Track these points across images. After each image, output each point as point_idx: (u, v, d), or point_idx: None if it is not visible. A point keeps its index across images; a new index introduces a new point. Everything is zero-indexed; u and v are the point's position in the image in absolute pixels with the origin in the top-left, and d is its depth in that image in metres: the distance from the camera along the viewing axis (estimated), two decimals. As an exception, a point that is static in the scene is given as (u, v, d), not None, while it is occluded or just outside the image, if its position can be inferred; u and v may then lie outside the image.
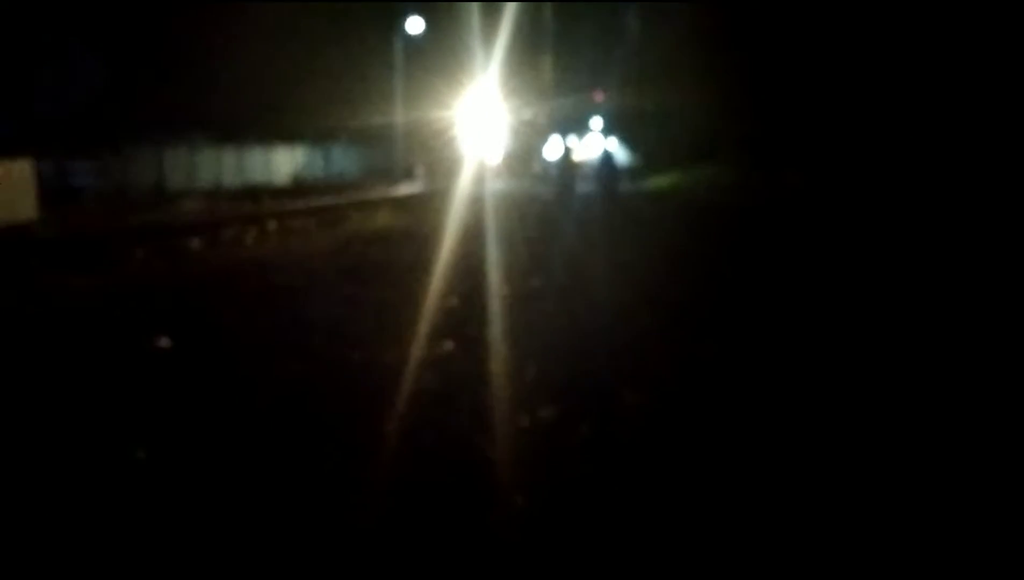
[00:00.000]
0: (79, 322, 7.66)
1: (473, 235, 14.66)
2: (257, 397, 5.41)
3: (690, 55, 28.41)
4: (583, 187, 21.81)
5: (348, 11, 40.12)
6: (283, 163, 43.01)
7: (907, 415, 4.91)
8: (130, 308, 8.27)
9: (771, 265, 11.36)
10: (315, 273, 10.81)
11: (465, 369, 6.00)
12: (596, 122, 42.26)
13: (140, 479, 4.13)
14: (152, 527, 3.60)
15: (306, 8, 36.74)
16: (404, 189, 34.44)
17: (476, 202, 22.14)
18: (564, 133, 34.19)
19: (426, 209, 24.18)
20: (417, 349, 6.52)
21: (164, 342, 6.76)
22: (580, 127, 44.30)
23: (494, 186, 29.78)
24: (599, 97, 38.57)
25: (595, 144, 37.02)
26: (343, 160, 49.44)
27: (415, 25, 41.46)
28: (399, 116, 40.23)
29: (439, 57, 41.98)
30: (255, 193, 31.78)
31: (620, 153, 35.96)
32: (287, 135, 42.42)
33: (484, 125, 42.60)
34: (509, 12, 34.30)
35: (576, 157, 37.89)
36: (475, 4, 37.48)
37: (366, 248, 13.57)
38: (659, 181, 30.94)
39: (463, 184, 32.62)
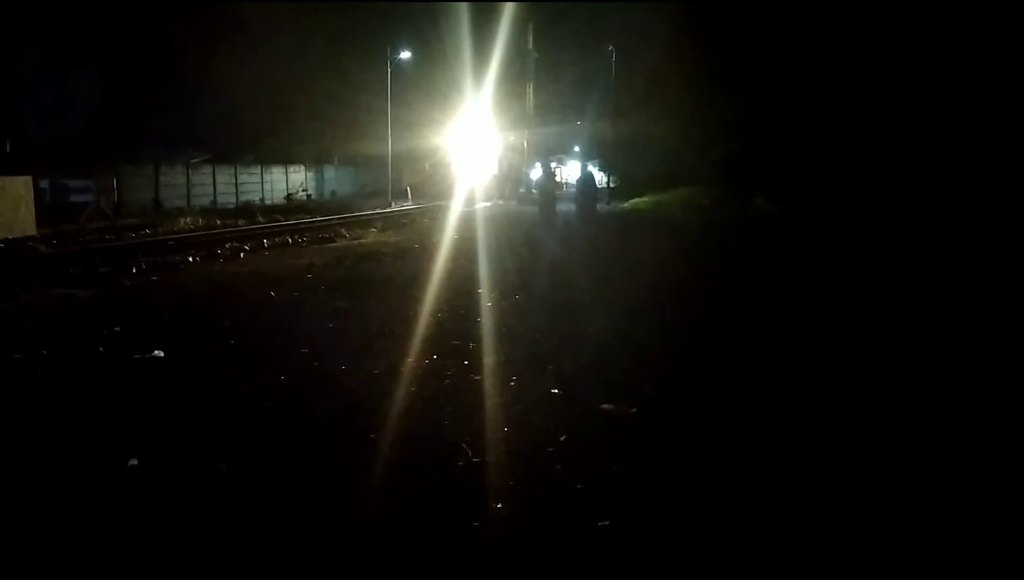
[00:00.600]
0: (75, 335, 7.83)
1: (460, 251, 15.01)
2: (249, 405, 5.62)
3: (665, 87, 29.17)
4: (564, 207, 22.39)
5: (342, 39, 40.59)
6: (277, 182, 43.27)
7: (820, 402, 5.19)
8: (126, 321, 8.45)
9: (720, 273, 11.99)
10: (306, 288, 11.03)
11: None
12: (577, 147, 43.05)
13: (145, 481, 4.34)
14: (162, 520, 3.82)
15: (302, 35, 37.12)
16: (395, 208, 34.66)
17: (463, 221, 22.47)
18: (547, 157, 34.89)
19: (416, 227, 24.49)
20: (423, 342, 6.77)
21: (158, 353, 6.97)
22: (562, 152, 45.07)
23: (481, 206, 30.10)
24: (580, 124, 39.45)
25: (576, 167, 37.74)
26: (336, 180, 49.72)
27: (406, 54, 42.03)
28: (390, 139, 40.62)
29: (431, 84, 42.53)
30: (250, 211, 31.97)
31: (599, 176, 36.68)
32: (281, 156, 42.73)
33: (473, 149, 43.14)
34: (496, 45, 35.12)
35: (558, 179, 38.56)
36: (465, 35, 38.12)
37: (358, 264, 13.81)
38: (636, 202, 31.78)
39: (451, 204, 32.98)
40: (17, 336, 7.79)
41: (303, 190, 45.44)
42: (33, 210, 18.32)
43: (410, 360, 6.76)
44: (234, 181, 39.23)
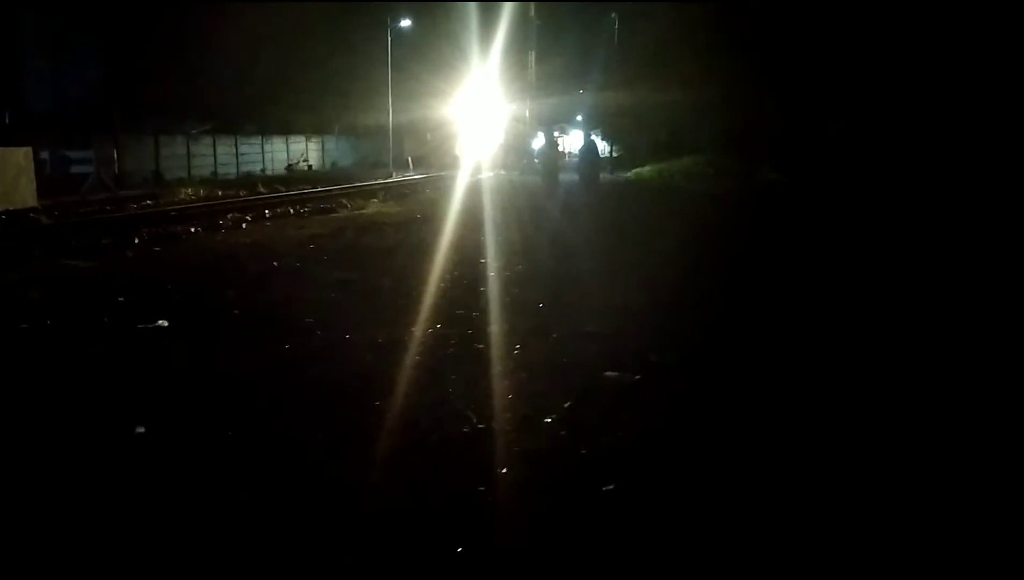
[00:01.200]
0: (79, 306, 7.85)
1: (462, 222, 14.99)
2: (253, 374, 5.64)
3: (670, 55, 28.84)
4: (567, 177, 22.37)
5: (343, 8, 40.22)
6: (278, 153, 43.11)
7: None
8: (129, 292, 8.47)
9: (724, 243, 11.97)
10: (309, 258, 11.03)
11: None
12: (580, 116, 42.74)
13: (152, 449, 4.37)
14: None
15: (302, 3, 36.79)
16: (397, 179, 34.56)
17: (465, 191, 22.43)
18: (550, 127, 34.67)
19: (419, 198, 24.45)
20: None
21: (162, 323, 6.98)
22: (565, 121, 44.78)
23: (484, 176, 30.01)
24: (583, 93, 39.11)
25: (578, 137, 37.54)
26: (337, 151, 49.51)
27: (408, 21, 41.71)
28: (392, 109, 40.41)
29: (433, 53, 42.19)
30: (251, 182, 31.89)
31: (602, 145, 36.50)
32: (282, 126, 42.53)
33: (475, 119, 42.93)
34: (500, 13, 34.82)
35: (560, 148, 38.33)
36: (466, 4, 37.81)
37: (360, 234, 13.80)
38: (639, 171, 31.63)
39: (454, 174, 32.89)
40: (21, 307, 7.81)
41: (304, 161, 45.28)
42: (34, 181, 18.27)
43: (414, 329, 6.77)
44: (235, 151, 39.09)
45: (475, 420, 4.63)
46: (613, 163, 35.84)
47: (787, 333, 6.73)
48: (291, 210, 19.77)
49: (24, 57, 29.71)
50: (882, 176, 17.72)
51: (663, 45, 30.17)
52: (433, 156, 48.04)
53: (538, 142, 39.21)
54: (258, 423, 4.64)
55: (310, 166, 44.83)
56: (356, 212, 19.61)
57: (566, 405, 4.87)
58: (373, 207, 21.07)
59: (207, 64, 33.76)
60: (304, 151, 45.93)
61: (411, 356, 5.99)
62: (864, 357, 5.93)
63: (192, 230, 15.07)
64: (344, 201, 22.64)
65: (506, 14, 35.40)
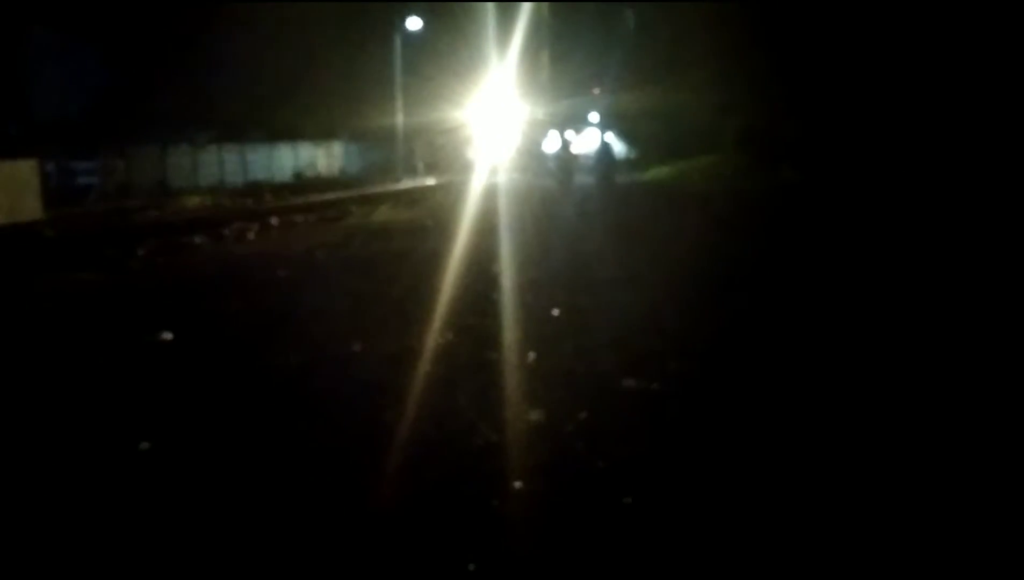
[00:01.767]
0: (83, 319, 7.75)
1: (473, 228, 14.78)
2: (260, 387, 5.51)
3: (687, 54, 28.54)
4: (581, 178, 22.12)
5: (350, 11, 40.14)
6: (285, 160, 43.08)
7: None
8: (134, 304, 8.37)
9: (745, 247, 11.72)
10: (316, 267, 10.91)
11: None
12: (595, 117, 42.37)
13: (157, 466, 4.23)
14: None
15: (308, 8, 36.74)
16: (406, 184, 34.47)
17: (476, 196, 22.23)
18: (564, 129, 34.38)
19: (428, 204, 24.30)
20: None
21: (166, 336, 6.85)
22: (580, 123, 44.46)
23: (498, 180, 29.85)
24: (598, 93, 38.69)
25: (594, 138, 37.18)
26: (345, 157, 49.49)
27: (415, 24, 41.60)
28: (401, 114, 40.32)
29: (442, 57, 42.03)
30: (258, 190, 31.85)
31: (618, 146, 36.19)
32: (289, 133, 42.49)
33: (487, 122, 42.72)
34: (511, 13, 34.61)
35: (574, 150, 38.04)
36: (477, 5, 37.61)
37: (368, 242, 13.66)
38: (656, 173, 31.29)
39: (465, 179, 32.75)
40: (25, 320, 7.71)
41: (312, 168, 45.24)
42: (39, 194, 18.24)
43: (425, 339, 6.61)
44: (241, 160, 38.99)
45: (488, 432, 4.48)
46: (630, 164, 35.44)
47: (808, 339, 6.51)
48: (299, 218, 19.66)
49: (30, 67, 29.74)
50: (902, 174, 17.42)
51: (680, 44, 29.84)
52: (444, 161, 47.89)
53: (551, 144, 39.02)
54: (265, 437, 4.54)
55: (318, 173, 44.76)
56: (365, 219, 19.48)
57: (582, 415, 4.70)
58: (382, 214, 20.94)
59: (213, 72, 33.76)
60: (312, 158, 45.87)
61: (422, 366, 5.84)
62: (886, 364, 5.72)
63: (198, 240, 14.97)
64: (352, 208, 22.52)
65: (519, 14, 35.14)
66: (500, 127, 42.32)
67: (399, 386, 5.35)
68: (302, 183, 37.99)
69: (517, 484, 3.86)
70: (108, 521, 3.59)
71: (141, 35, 31.36)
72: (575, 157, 35.94)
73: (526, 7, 34.97)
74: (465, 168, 42.42)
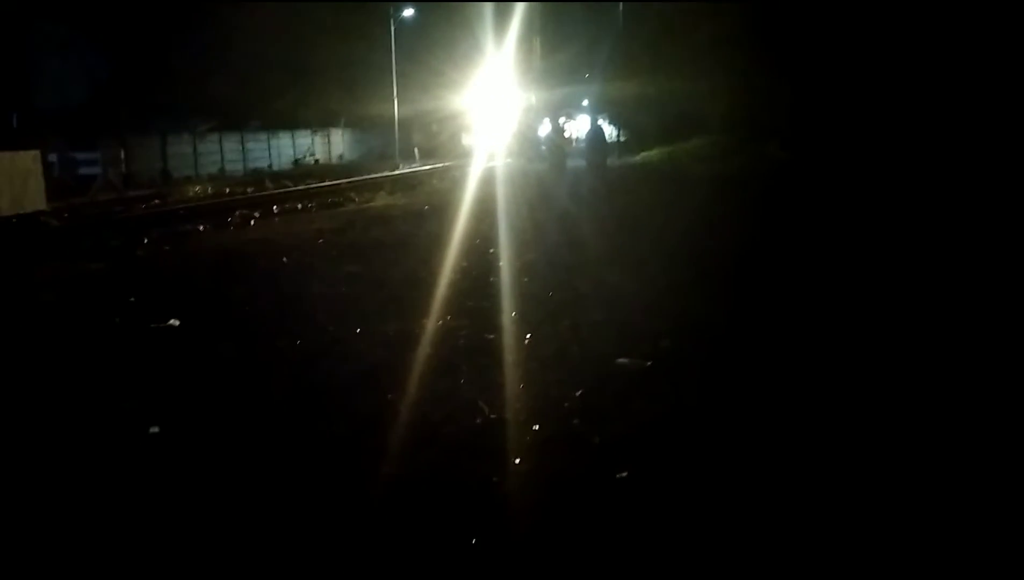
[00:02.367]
0: (91, 308, 7.88)
1: (469, 211, 14.96)
2: (266, 371, 5.66)
3: (674, 39, 28.65)
4: (574, 162, 22.33)
5: (346, 1, 40.12)
6: (284, 148, 43.09)
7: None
8: (140, 292, 8.50)
9: (733, 226, 11.87)
10: (318, 253, 11.05)
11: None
12: (586, 102, 42.57)
13: (167, 449, 4.39)
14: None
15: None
16: (404, 170, 34.51)
17: (471, 181, 22.39)
18: (558, 115, 34.55)
19: (425, 189, 24.46)
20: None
21: (174, 322, 7.00)
22: (572, 107, 44.64)
23: (493, 165, 29.95)
24: (589, 79, 38.90)
25: (586, 123, 37.32)
26: (343, 144, 49.47)
27: (412, 13, 41.64)
28: (398, 100, 40.36)
29: (439, 46, 42.07)
30: (258, 177, 31.92)
31: (609, 130, 36.36)
32: (288, 121, 42.49)
33: (483, 109, 42.80)
34: (506, 3, 34.77)
35: (567, 134, 38.14)
36: None
37: (368, 227, 13.80)
38: (646, 155, 31.54)
39: (460, 164, 32.83)
40: (34, 310, 7.85)
41: (311, 155, 45.21)
42: (43, 184, 18.32)
43: (425, 321, 6.77)
44: (241, 148, 39.08)
45: (487, 410, 4.64)
46: (620, 147, 35.72)
47: (797, 318, 6.69)
48: (299, 205, 19.80)
49: (30, 58, 29.77)
50: (882, 152, 17.55)
51: (668, 28, 29.98)
52: (441, 147, 47.93)
53: (545, 129, 39.13)
54: (272, 420, 4.66)
55: (317, 160, 44.76)
56: (364, 205, 19.63)
57: (578, 393, 4.87)
58: (381, 200, 21.07)
59: (212, 61, 33.75)
60: (310, 145, 45.88)
61: (422, 348, 6.00)
62: (870, 346, 5.88)
63: (201, 228, 15.12)
64: (352, 194, 22.66)
65: (514, 4, 35.25)
66: (495, 114, 42.40)
67: (400, 367, 5.51)
68: (301, 170, 38.05)
69: (516, 460, 4.03)
70: (118, 505, 3.72)
71: (141, 26, 31.34)
72: (567, 140, 36.13)
73: (520, -1, 35.17)
74: (461, 154, 42.48)
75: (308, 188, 24.42)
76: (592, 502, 3.57)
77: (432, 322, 6.78)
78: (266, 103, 39.47)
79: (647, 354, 5.58)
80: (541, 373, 5.31)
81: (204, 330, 6.86)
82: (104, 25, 30.81)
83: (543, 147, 31.09)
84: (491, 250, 10.62)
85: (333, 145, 48.54)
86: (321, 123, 46.49)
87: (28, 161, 17.89)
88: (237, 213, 17.39)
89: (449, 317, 6.94)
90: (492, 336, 6.29)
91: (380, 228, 13.75)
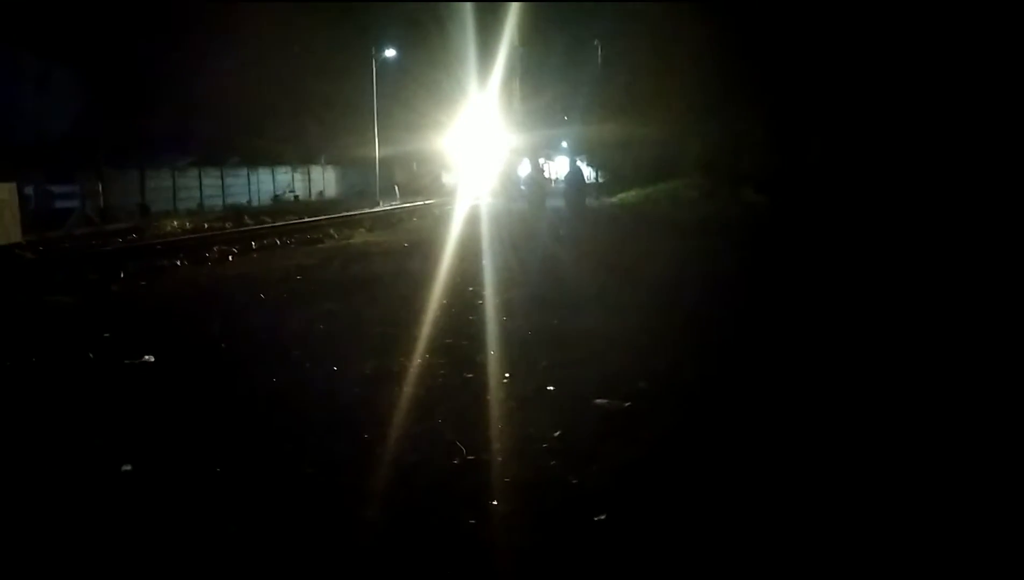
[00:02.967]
0: (64, 342, 7.79)
1: (448, 249, 15.00)
2: (241, 408, 5.60)
3: (651, 84, 29.14)
4: (553, 202, 22.58)
5: (329, 37, 40.50)
6: (264, 184, 43.14)
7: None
8: (115, 327, 8.41)
9: (710, 266, 12.00)
10: (296, 290, 11.00)
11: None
12: (565, 143, 43.24)
13: (139, 488, 4.32)
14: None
15: (289, 33, 37.00)
16: (384, 208, 34.60)
17: (451, 219, 22.50)
18: (536, 153, 34.97)
19: (405, 226, 24.51)
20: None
21: (149, 358, 6.92)
22: (551, 148, 45.30)
23: (473, 204, 30.11)
24: (568, 121, 39.61)
25: (564, 163, 37.80)
26: (323, 181, 49.61)
27: (391, 52, 42.21)
28: (379, 139, 40.67)
29: (421, 87, 42.59)
30: (237, 213, 31.86)
31: (588, 171, 36.81)
32: (268, 157, 42.62)
33: (463, 150, 43.26)
34: (488, 47, 35.34)
35: (547, 175, 38.57)
36: (454, 34, 38.24)
37: (347, 264, 13.78)
38: (624, 197, 31.86)
39: (440, 202, 32.97)
40: (5, 344, 7.74)
41: (291, 191, 45.29)
42: (18, 217, 18.21)
43: (402, 359, 6.74)
44: (220, 183, 39.09)
45: (465, 451, 4.60)
46: (599, 188, 36.08)
47: (776, 360, 6.71)
48: (278, 241, 19.76)
49: (7, 91, 29.70)
50: (865, 194, 17.82)
51: (643, 72, 30.50)
52: (421, 185, 48.24)
53: (523, 169, 39.48)
54: (246, 458, 4.59)
55: (297, 197, 44.83)
56: (343, 242, 19.61)
57: (556, 434, 4.84)
58: (360, 237, 21.08)
59: (192, 96, 33.84)
60: (291, 182, 45.96)
61: (400, 387, 5.95)
62: (849, 390, 5.91)
63: (178, 263, 15.03)
64: (331, 231, 22.65)
65: (496, 48, 35.81)
66: (476, 154, 42.87)
67: (377, 406, 5.46)
68: (281, 207, 38.07)
69: (493, 502, 3.99)
70: (87, 544, 3.66)
71: (121, 61, 31.40)
72: (547, 181, 36.49)
73: (503, 41, 35.74)
74: (443, 192, 42.75)
75: (287, 224, 24.41)
76: (570, 545, 3.53)
77: (410, 360, 6.74)
78: (247, 139, 39.57)
79: (625, 395, 5.56)
80: (519, 413, 5.28)
81: (179, 366, 6.78)
82: (83, 58, 30.85)
83: (523, 187, 31.34)
84: (470, 288, 10.62)
85: (313, 182, 48.69)
86: (302, 160, 46.66)
87: (4, 193, 17.80)
88: (215, 248, 17.32)
89: (428, 355, 6.92)
90: (471, 375, 6.27)
91: (359, 265, 13.73)
